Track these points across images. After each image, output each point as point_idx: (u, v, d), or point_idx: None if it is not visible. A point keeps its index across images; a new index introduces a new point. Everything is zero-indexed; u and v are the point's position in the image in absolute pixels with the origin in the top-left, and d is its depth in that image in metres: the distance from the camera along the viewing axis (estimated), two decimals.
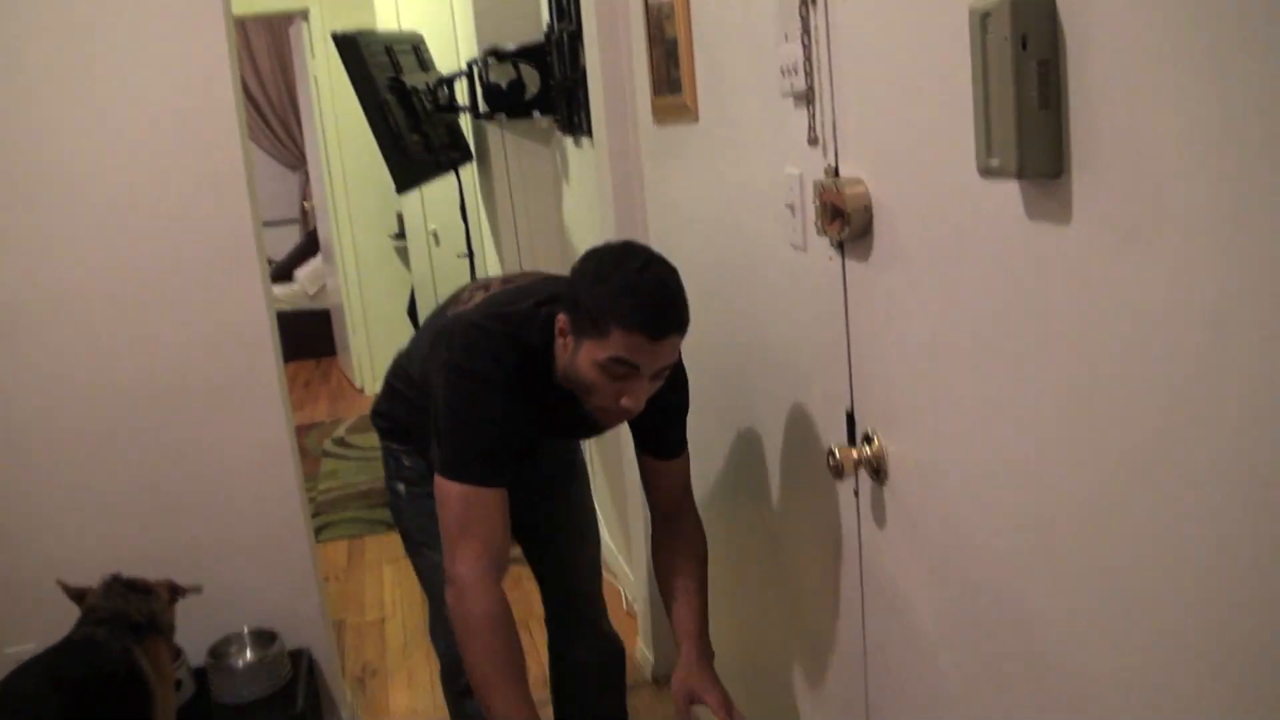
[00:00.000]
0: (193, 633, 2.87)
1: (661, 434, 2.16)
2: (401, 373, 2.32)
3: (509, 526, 1.94)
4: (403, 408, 2.28)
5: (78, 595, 2.57)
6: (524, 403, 1.95)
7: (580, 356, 1.86)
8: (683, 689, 2.03)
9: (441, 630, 2.28)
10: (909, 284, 1.52)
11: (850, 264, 1.69)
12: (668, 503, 2.20)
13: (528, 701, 1.87)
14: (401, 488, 2.33)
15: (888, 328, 1.61)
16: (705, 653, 2.09)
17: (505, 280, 2.22)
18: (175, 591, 2.70)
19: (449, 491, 1.90)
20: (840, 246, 1.70)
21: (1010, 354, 1.29)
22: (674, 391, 2.09)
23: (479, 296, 2.13)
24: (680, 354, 2.00)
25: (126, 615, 2.48)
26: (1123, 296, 1.08)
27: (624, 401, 1.86)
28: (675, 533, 2.19)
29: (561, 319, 1.90)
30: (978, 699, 1.51)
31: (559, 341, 1.93)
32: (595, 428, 2.12)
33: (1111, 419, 1.12)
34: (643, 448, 2.18)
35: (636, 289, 1.80)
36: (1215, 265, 0.96)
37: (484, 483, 1.90)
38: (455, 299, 2.23)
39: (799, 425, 2.03)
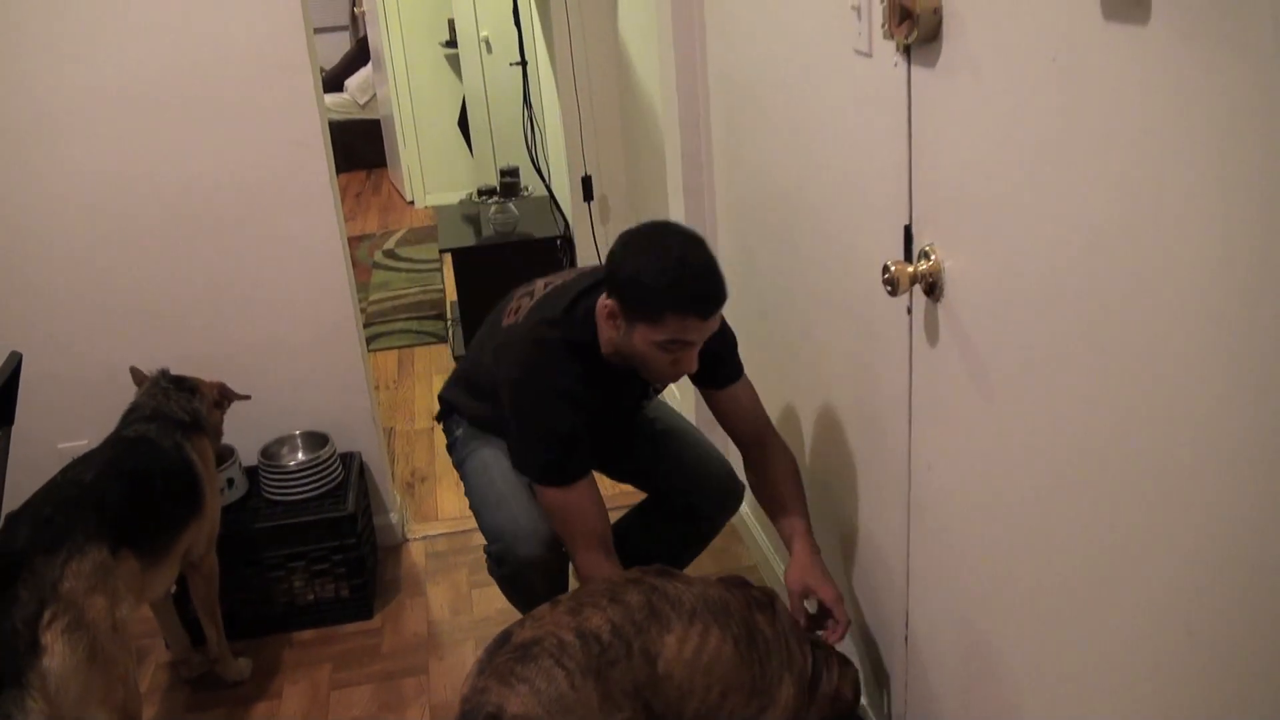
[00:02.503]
0: (245, 434, 2.93)
1: (718, 362, 2.25)
2: (465, 384, 2.47)
3: (603, 503, 2.15)
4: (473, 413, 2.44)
5: (141, 380, 2.66)
6: (590, 394, 2.12)
7: (635, 338, 2.03)
8: (799, 583, 2.12)
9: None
10: (977, 92, 1.45)
11: (916, 71, 1.62)
12: (749, 430, 2.30)
13: None
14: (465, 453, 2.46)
15: (952, 139, 1.55)
16: (815, 549, 2.19)
17: (547, 282, 2.32)
18: (225, 395, 2.74)
19: (545, 496, 2.14)
20: (907, 51, 1.63)
21: (1080, 167, 1.24)
22: (720, 329, 2.20)
23: (526, 304, 2.26)
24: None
25: (170, 414, 2.53)
26: (1202, 103, 1.02)
27: (681, 368, 2.07)
28: (765, 457, 2.28)
29: (608, 304, 2.06)
30: (1025, 516, 1.50)
31: (604, 324, 2.10)
32: (653, 390, 2.36)
33: (1189, 231, 1.07)
34: (703, 383, 2.30)
35: (683, 277, 1.97)
36: None
37: (571, 480, 2.11)
38: (505, 308, 2.33)
39: (854, 240, 1.98)
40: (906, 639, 2.00)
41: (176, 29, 2.73)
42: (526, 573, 2.24)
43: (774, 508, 2.26)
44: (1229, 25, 0.97)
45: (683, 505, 2.47)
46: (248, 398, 2.82)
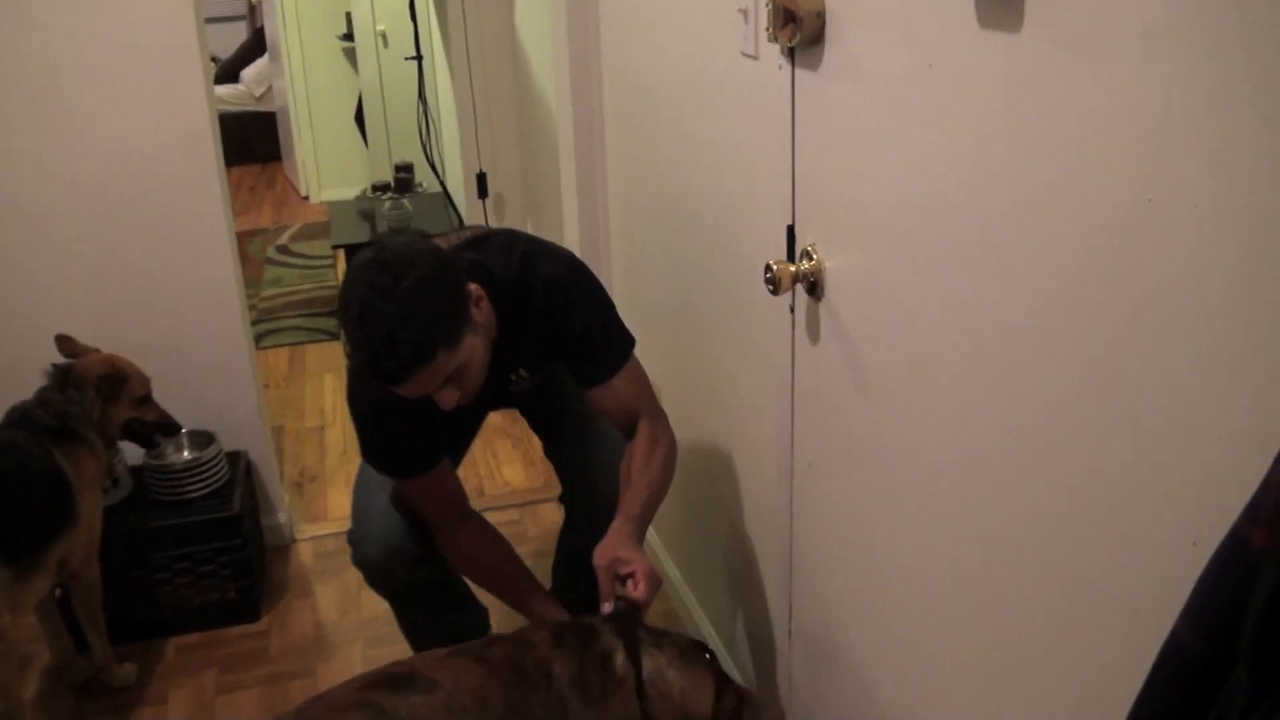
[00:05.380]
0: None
1: (581, 365, 2.10)
2: None
3: (455, 487, 2.16)
4: None
5: (69, 349, 2.58)
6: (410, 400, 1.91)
7: None
8: (606, 557, 1.90)
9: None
10: (858, 95, 1.48)
11: (800, 73, 1.64)
12: (623, 422, 2.13)
13: (537, 597, 2.15)
14: None
15: (834, 141, 1.57)
16: (636, 530, 1.98)
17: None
18: (104, 381, 2.56)
19: (398, 486, 2.15)
20: (791, 54, 1.65)
21: (956, 167, 1.27)
22: (567, 320, 2.03)
23: None
24: (574, 279, 2.03)
25: (38, 420, 2.43)
26: (1071, 106, 1.05)
27: (442, 405, 1.87)
28: (634, 444, 2.10)
29: None
30: (904, 512, 1.53)
31: None
32: (517, 377, 2.21)
33: (1056, 231, 1.10)
34: (573, 378, 2.14)
35: (360, 345, 1.76)
36: (1161, 76, 0.93)
37: (411, 475, 2.10)
38: None
39: (739, 239, 2.00)
40: (790, 633, 2.03)
41: (57, 13, 2.65)
42: (368, 570, 2.23)
43: (631, 474, 2.06)
44: (1098, 33, 1.01)
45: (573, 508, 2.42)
46: (122, 376, 2.62)
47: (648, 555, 1.93)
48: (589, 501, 2.29)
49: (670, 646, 1.85)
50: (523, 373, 2.20)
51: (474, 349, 1.84)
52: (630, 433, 2.13)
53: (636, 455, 2.07)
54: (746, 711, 1.87)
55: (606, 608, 1.88)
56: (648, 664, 1.82)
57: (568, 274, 2.04)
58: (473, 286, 1.86)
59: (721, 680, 1.86)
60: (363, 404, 2.07)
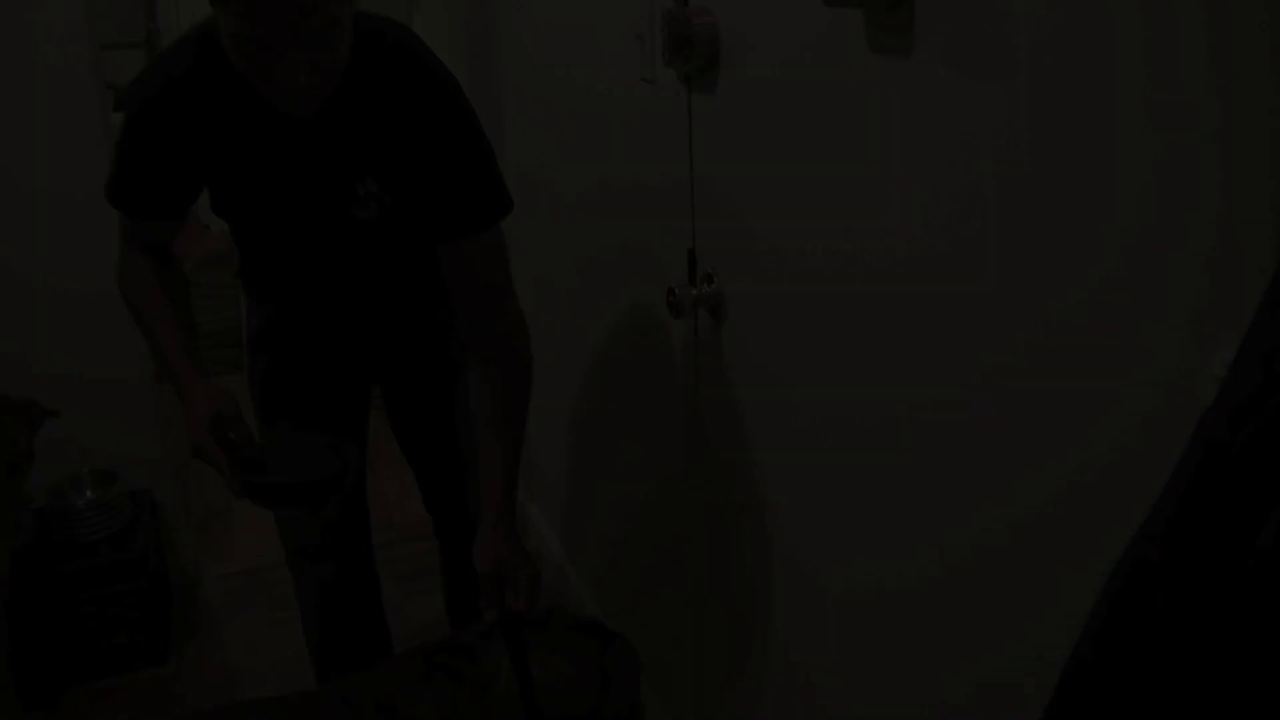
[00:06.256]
0: (32, 473, 2.77)
1: (440, 203, 1.69)
2: None
3: (168, 238, 1.90)
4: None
5: None
6: (202, 120, 1.63)
7: (223, 30, 1.46)
8: (494, 565, 1.74)
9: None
10: (753, 119, 1.49)
11: (696, 98, 1.65)
12: (475, 303, 1.77)
13: (170, 333, 1.87)
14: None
15: (731, 164, 1.59)
16: (514, 523, 1.79)
17: None
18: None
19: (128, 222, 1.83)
20: (687, 79, 1.66)
21: (851, 190, 1.28)
22: (432, 137, 1.66)
23: None
24: (455, 98, 1.69)
25: None
26: (962, 129, 1.07)
27: (281, 83, 1.47)
28: (488, 346, 1.77)
29: None
30: (807, 530, 1.54)
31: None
32: (367, 193, 1.73)
33: (954, 249, 1.12)
34: (429, 229, 1.72)
35: None
36: (1053, 97, 0.96)
37: (129, 213, 1.80)
38: None
39: (642, 264, 2.01)
40: (701, 658, 2.03)
41: None
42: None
43: (481, 439, 1.80)
44: (986, 55, 1.03)
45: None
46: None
47: (528, 553, 1.79)
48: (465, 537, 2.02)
49: (559, 641, 1.72)
50: (370, 183, 1.71)
51: (348, 27, 1.50)
52: (479, 320, 1.78)
53: (499, 398, 1.77)
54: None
55: (490, 615, 1.77)
56: (538, 670, 1.68)
57: (451, 90, 1.69)
58: None
59: (606, 640, 1.74)
60: (141, 91, 1.66)
